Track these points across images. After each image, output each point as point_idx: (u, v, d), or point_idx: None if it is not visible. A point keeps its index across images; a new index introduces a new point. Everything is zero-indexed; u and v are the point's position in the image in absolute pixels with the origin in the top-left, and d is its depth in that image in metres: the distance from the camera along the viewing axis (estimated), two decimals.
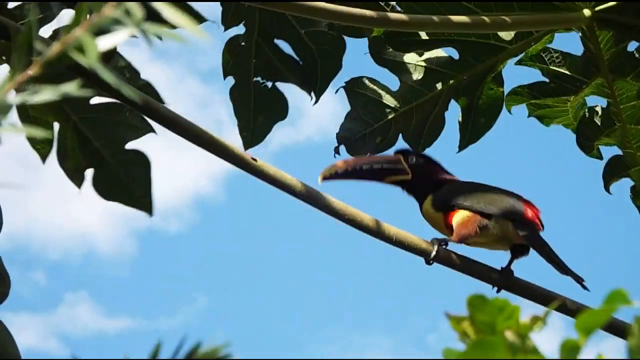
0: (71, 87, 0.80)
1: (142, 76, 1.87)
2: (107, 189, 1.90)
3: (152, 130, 1.89)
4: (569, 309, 1.78)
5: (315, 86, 1.97)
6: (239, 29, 1.95)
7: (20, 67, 0.81)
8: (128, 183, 1.90)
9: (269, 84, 1.97)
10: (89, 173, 1.90)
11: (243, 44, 1.94)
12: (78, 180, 1.90)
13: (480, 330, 0.77)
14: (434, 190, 1.95)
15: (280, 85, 1.99)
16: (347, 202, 1.88)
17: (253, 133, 1.98)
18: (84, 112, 1.87)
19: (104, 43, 0.80)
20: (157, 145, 1.90)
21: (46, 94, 0.81)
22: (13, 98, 0.83)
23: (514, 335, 0.79)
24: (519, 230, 1.82)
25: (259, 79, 1.97)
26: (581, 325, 0.80)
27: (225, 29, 1.94)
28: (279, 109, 1.99)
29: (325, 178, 1.92)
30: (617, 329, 1.75)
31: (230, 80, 1.98)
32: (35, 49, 0.82)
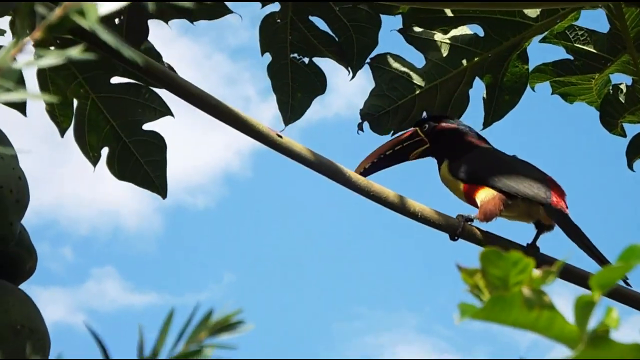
0: (75, 51, 0.82)
1: (170, 52, 1.89)
2: (121, 169, 1.93)
3: (170, 113, 1.91)
4: (581, 277, 1.78)
5: (352, 61, 1.98)
6: (274, 6, 1.96)
7: (23, 32, 0.82)
8: (143, 164, 1.92)
9: (306, 60, 1.99)
10: (105, 152, 1.93)
11: (278, 21, 1.95)
12: (93, 158, 1.93)
13: (492, 283, 0.78)
14: (452, 154, 1.95)
15: (316, 61, 2.01)
16: (371, 179, 1.90)
17: (292, 108, 2.00)
18: (104, 90, 1.89)
19: (106, 7, 0.81)
20: (184, 121, 1.92)
21: (52, 58, 0.82)
22: (19, 62, 0.84)
23: (530, 290, 0.80)
24: (549, 214, 1.82)
25: (295, 55, 1.99)
26: (597, 282, 0.81)
27: (262, 6, 1.94)
28: (317, 84, 2.00)
29: (360, 173, 1.94)
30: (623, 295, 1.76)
31: (267, 58, 2.00)
32: (38, 14, 0.83)
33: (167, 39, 1.88)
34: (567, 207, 1.85)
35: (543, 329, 0.81)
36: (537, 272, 0.84)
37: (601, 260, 1.78)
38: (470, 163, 1.92)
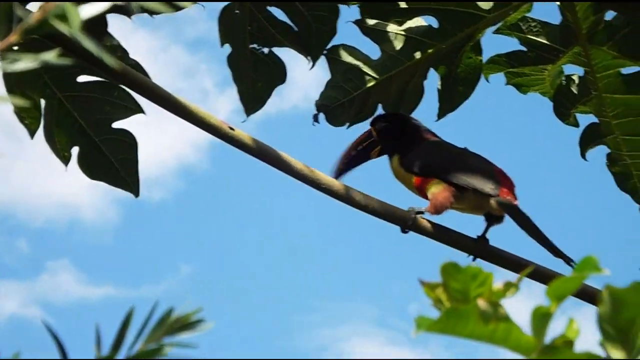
0: (50, 55, 0.81)
1: (127, 45, 1.87)
2: (92, 168, 1.91)
3: (141, 110, 1.90)
4: (543, 276, 1.80)
5: (311, 51, 1.97)
6: None
7: (0, 35, 0.81)
8: (114, 162, 1.90)
9: (266, 50, 1.98)
10: (75, 151, 1.91)
11: (237, 12, 1.94)
12: (64, 158, 1.91)
13: (454, 297, 0.79)
14: (402, 149, 1.99)
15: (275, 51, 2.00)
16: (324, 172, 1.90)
17: (253, 98, 1.99)
18: (70, 89, 1.87)
19: (87, 11, 0.80)
20: (139, 115, 1.90)
21: (26, 62, 0.81)
22: None
23: (486, 303, 0.81)
24: (500, 206, 1.84)
25: (255, 45, 1.98)
26: (553, 293, 0.82)
27: None
28: (277, 73, 2.00)
29: (336, 177, 2.00)
30: (590, 295, 1.78)
31: (226, 49, 1.98)
32: (17, 16, 0.82)
33: (124, 31, 1.86)
34: (516, 199, 1.87)
35: (500, 340, 0.82)
36: (498, 284, 0.84)
37: (553, 249, 1.80)
38: (421, 156, 1.94)
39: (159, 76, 1.79)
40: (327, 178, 1.86)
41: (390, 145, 2.01)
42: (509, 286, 0.80)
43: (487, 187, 1.85)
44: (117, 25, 1.86)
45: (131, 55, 1.87)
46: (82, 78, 1.89)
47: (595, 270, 0.84)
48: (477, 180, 1.85)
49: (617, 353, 0.83)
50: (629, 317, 0.83)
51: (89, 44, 0.78)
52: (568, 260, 1.80)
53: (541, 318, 0.82)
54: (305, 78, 2.04)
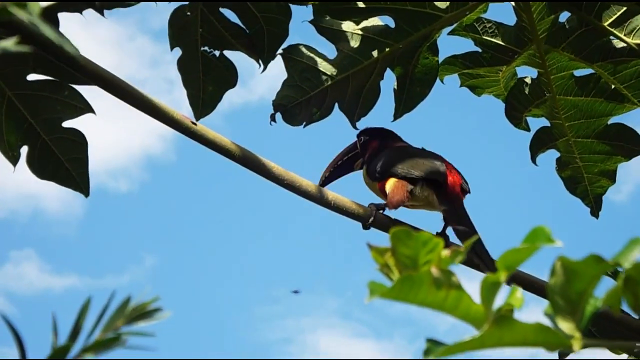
0: (9, 43, 0.80)
1: (93, 35, 1.85)
2: (41, 168, 1.88)
3: (91, 110, 1.87)
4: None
5: (263, 54, 1.97)
6: None
7: None
8: (64, 162, 1.88)
9: (217, 53, 1.97)
10: (25, 150, 1.88)
11: (188, 14, 1.92)
12: (12, 158, 1.88)
13: (402, 263, 0.79)
14: (369, 159, 2.05)
15: (230, 52, 1.99)
16: (288, 168, 1.90)
17: (203, 102, 1.98)
18: (20, 88, 1.84)
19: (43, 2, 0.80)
20: (106, 104, 1.89)
21: None
22: None
23: (439, 271, 0.81)
24: (441, 202, 1.87)
25: (206, 48, 1.96)
26: (502, 262, 0.83)
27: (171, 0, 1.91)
28: (228, 77, 1.98)
29: (322, 184, 2.07)
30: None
31: (178, 51, 1.97)
32: None
33: (90, 21, 1.84)
34: (464, 190, 1.90)
35: (450, 308, 0.82)
36: (446, 252, 0.85)
37: (480, 257, 1.79)
38: (379, 162, 2.00)
39: (124, 65, 1.78)
40: (289, 174, 1.86)
41: (366, 157, 2.08)
42: (456, 253, 0.80)
43: (431, 172, 1.88)
44: (80, 16, 1.84)
45: (96, 45, 1.85)
46: (32, 77, 1.86)
47: (546, 241, 0.84)
48: (422, 168, 1.89)
49: (565, 324, 0.83)
50: (580, 289, 0.83)
51: (49, 31, 0.77)
52: (486, 265, 1.79)
53: (490, 287, 0.82)
54: (272, 70, 2.04)
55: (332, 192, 1.88)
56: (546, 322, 0.84)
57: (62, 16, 1.81)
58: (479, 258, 1.79)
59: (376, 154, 2.04)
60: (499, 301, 0.83)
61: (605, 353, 1.79)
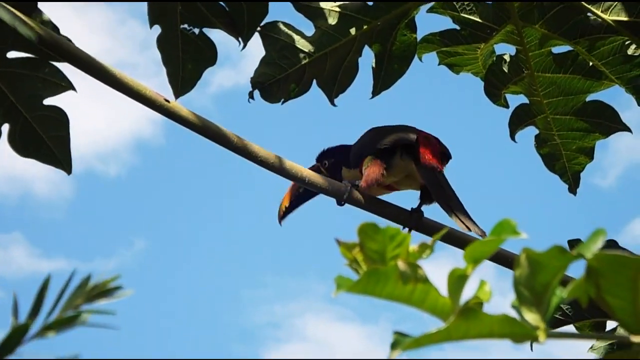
0: None
1: (83, 19, 1.83)
2: (23, 146, 1.88)
3: (72, 87, 1.86)
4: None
5: (242, 31, 1.96)
6: None
7: None
8: (45, 140, 1.87)
9: (196, 31, 1.95)
10: (6, 128, 1.88)
11: None
12: None
13: (370, 257, 0.79)
14: (345, 160, 2.05)
15: (211, 31, 1.98)
16: (260, 144, 1.90)
17: (182, 80, 1.97)
18: (0, 66, 1.83)
19: None
20: (95, 88, 1.88)
21: None
22: None
23: (406, 264, 0.81)
24: (420, 170, 1.87)
25: (185, 26, 1.95)
26: (469, 255, 0.83)
27: None
28: (208, 55, 1.97)
29: (281, 218, 2.06)
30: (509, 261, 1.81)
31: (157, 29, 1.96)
32: None
33: (80, 6, 1.83)
34: (441, 165, 1.90)
35: (417, 302, 0.83)
36: (414, 246, 0.85)
37: (465, 222, 1.80)
38: (352, 151, 2.00)
39: (116, 50, 1.77)
40: (263, 151, 1.86)
41: (339, 170, 2.05)
42: (424, 247, 0.80)
43: (401, 139, 1.88)
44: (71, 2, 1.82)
45: (88, 30, 1.84)
46: (11, 54, 1.85)
47: (512, 233, 0.85)
48: (392, 137, 1.89)
49: (531, 315, 0.84)
50: (545, 281, 0.84)
51: (3, 13, 0.76)
52: (482, 233, 1.80)
53: (457, 280, 0.82)
54: (262, 51, 2.03)
55: (306, 169, 1.88)
56: (513, 313, 0.85)
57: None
58: (462, 223, 1.79)
59: (347, 153, 2.03)
60: (467, 294, 0.84)
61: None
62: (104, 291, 0.95)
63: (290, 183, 2.07)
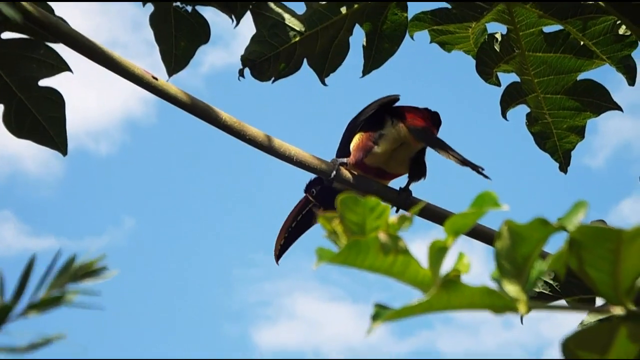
0: None
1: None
2: (18, 126, 1.87)
3: (68, 69, 1.86)
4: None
5: (236, 9, 1.95)
6: None
7: None
8: (41, 121, 1.87)
9: (189, 9, 1.95)
10: (0, 109, 1.87)
11: None
12: None
13: (350, 229, 0.79)
14: (330, 199, 2.01)
15: (204, 9, 1.97)
16: (252, 124, 1.90)
17: (176, 58, 1.96)
18: None
19: None
20: (88, 67, 1.88)
21: None
22: None
23: (387, 236, 0.81)
24: (413, 132, 1.88)
25: (178, 3, 1.94)
26: (450, 227, 0.83)
27: None
28: (201, 33, 1.96)
29: (278, 257, 2.04)
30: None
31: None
32: None
33: None
34: (434, 124, 1.91)
35: (398, 273, 0.83)
36: (393, 218, 0.85)
37: (469, 164, 1.82)
38: (339, 147, 1.98)
39: (108, 29, 1.77)
40: (252, 129, 1.85)
41: (329, 193, 2.01)
42: (403, 219, 0.80)
43: (385, 101, 1.88)
44: None
45: (78, 10, 1.83)
46: (6, 35, 1.84)
47: (493, 205, 0.85)
48: (375, 104, 1.90)
49: (511, 287, 0.84)
50: (526, 253, 0.84)
51: None
52: (477, 168, 1.81)
53: (437, 252, 0.82)
54: (253, 31, 2.02)
55: (294, 147, 1.88)
56: (493, 285, 0.85)
57: None
58: (468, 163, 1.80)
59: (332, 193, 2.00)
60: (447, 266, 0.84)
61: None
62: (89, 271, 0.95)
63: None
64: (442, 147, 1.82)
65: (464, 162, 1.79)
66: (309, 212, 2.05)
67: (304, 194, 2.05)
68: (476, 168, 1.78)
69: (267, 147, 1.84)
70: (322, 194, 2.03)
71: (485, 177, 1.79)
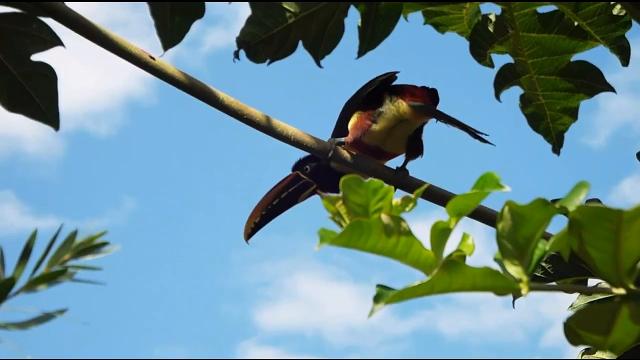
0: None
1: None
2: (10, 101, 1.87)
3: (60, 43, 1.85)
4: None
5: None
6: None
7: None
8: (33, 96, 1.86)
9: None
10: None
11: None
12: None
13: (353, 210, 0.80)
14: (326, 178, 2.01)
15: None
16: (252, 104, 1.90)
17: (171, 33, 1.95)
18: None
19: None
20: (87, 48, 1.87)
21: None
22: None
23: (389, 217, 0.82)
24: (414, 107, 1.88)
25: None
26: (452, 208, 0.84)
27: None
28: (195, 8, 1.95)
29: (249, 236, 2.01)
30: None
31: None
32: None
33: None
34: (431, 101, 1.93)
35: (400, 255, 0.83)
36: (397, 200, 0.85)
37: (473, 132, 1.84)
38: (335, 127, 1.97)
39: (104, 7, 1.76)
40: (250, 109, 1.86)
41: (326, 178, 2.00)
42: (407, 201, 0.81)
43: (382, 77, 1.90)
44: None
45: None
46: None
47: (495, 186, 0.85)
48: (376, 79, 1.90)
49: (513, 268, 0.85)
50: (528, 234, 0.85)
51: None
52: (485, 140, 1.83)
53: (440, 233, 0.83)
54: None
55: (291, 126, 1.88)
56: (495, 266, 0.85)
57: None
58: (473, 130, 1.83)
59: (328, 172, 1.99)
60: (450, 248, 0.85)
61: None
62: (91, 247, 0.95)
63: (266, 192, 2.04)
64: (448, 118, 1.84)
65: (472, 132, 1.82)
66: (296, 190, 2.04)
67: (292, 172, 2.04)
68: (483, 138, 1.81)
69: (265, 127, 1.84)
70: (315, 172, 2.02)
71: (491, 144, 1.82)
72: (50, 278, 0.93)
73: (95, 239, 0.96)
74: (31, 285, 0.92)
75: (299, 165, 2.04)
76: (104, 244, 0.96)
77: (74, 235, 0.95)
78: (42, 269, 0.94)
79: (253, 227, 2.01)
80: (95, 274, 0.95)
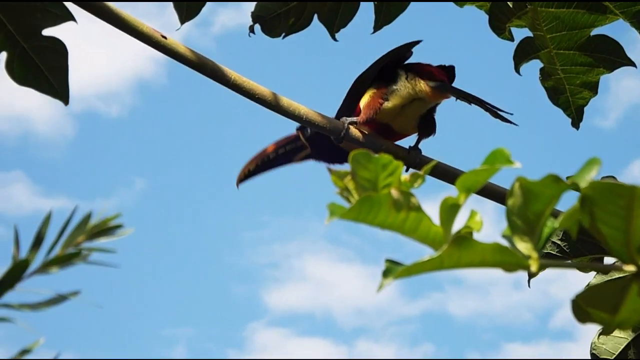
0: None
1: None
2: (21, 74, 1.87)
3: (72, 18, 1.85)
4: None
5: None
6: None
7: None
8: (43, 70, 1.87)
9: None
10: (4, 56, 1.87)
11: None
12: None
13: (362, 186, 0.79)
14: (320, 152, 2.02)
15: None
16: (262, 83, 1.89)
17: (187, 8, 1.95)
18: None
19: None
20: (97, 28, 1.87)
21: None
22: None
23: (399, 192, 0.81)
24: (431, 84, 1.87)
25: None
26: (462, 184, 0.83)
27: None
28: None
29: (240, 181, 1.99)
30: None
31: None
32: None
33: None
34: (447, 79, 1.91)
35: (410, 230, 0.83)
36: (406, 175, 0.85)
37: (492, 110, 1.84)
38: (345, 106, 1.95)
39: None
40: (261, 88, 1.85)
41: (322, 149, 2.01)
42: (416, 177, 0.80)
43: (396, 51, 1.87)
44: None
45: None
46: None
47: (506, 162, 0.84)
48: (392, 52, 1.88)
49: (523, 245, 0.84)
50: (539, 210, 0.84)
51: None
52: (507, 120, 1.83)
53: (449, 209, 0.82)
54: None
55: (303, 106, 1.87)
56: (505, 243, 0.85)
57: None
58: (492, 108, 1.82)
59: (326, 146, 1.98)
60: (459, 224, 0.84)
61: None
62: (105, 229, 0.95)
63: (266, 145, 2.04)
64: (469, 96, 1.83)
65: (494, 110, 1.81)
66: (294, 149, 2.04)
67: (296, 131, 2.04)
68: (505, 117, 1.80)
69: (276, 106, 1.83)
70: (315, 140, 2.02)
71: (514, 124, 1.81)
72: (65, 260, 0.93)
73: (110, 221, 0.96)
74: (46, 267, 0.92)
75: (302, 127, 2.03)
76: (118, 226, 0.96)
77: (88, 217, 0.95)
78: (56, 251, 0.94)
79: (247, 174, 2.01)
80: (108, 256, 0.95)
